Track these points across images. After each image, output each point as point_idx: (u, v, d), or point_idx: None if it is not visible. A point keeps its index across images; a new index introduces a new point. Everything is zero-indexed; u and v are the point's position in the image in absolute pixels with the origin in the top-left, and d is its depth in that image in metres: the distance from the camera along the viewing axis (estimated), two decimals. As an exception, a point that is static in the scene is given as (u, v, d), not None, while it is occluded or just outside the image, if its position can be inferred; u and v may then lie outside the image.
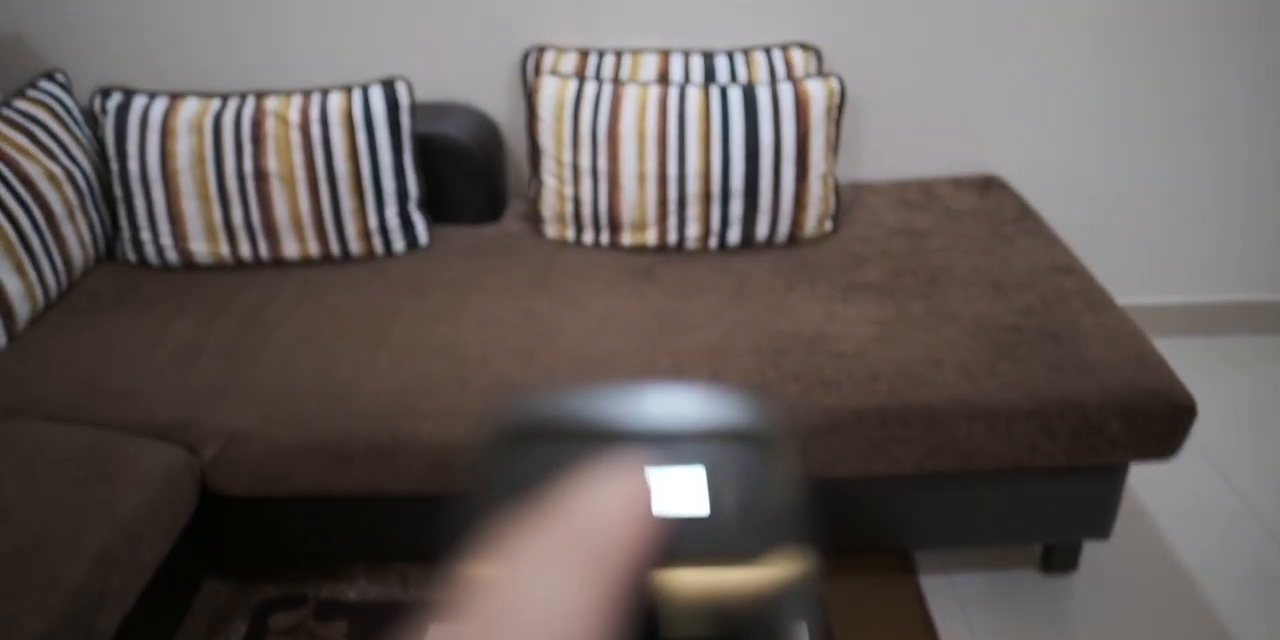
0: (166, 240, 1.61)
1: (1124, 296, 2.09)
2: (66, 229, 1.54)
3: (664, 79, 1.69)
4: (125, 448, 1.22)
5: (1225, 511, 1.63)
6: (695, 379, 1.32)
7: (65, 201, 1.54)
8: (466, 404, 1.29)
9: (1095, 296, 1.45)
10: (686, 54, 1.72)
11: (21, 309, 1.45)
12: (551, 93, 1.62)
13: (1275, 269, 2.07)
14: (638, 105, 1.59)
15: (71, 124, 1.62)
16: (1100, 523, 1.42)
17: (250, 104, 1.59)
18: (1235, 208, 1.99)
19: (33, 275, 1.46)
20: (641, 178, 1.60)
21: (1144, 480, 1.69)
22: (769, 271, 1.58)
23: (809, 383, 1.30)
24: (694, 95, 1.59)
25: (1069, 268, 1.54)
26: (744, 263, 1.61)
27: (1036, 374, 1.30)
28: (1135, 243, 2.03)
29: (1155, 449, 1.29)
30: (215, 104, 1.59)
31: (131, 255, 1.63)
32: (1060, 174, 1.94)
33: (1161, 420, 1.26)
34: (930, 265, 1.56)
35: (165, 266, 1.64)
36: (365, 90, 1.60)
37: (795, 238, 1.66)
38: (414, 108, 1.63)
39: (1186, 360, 2.01)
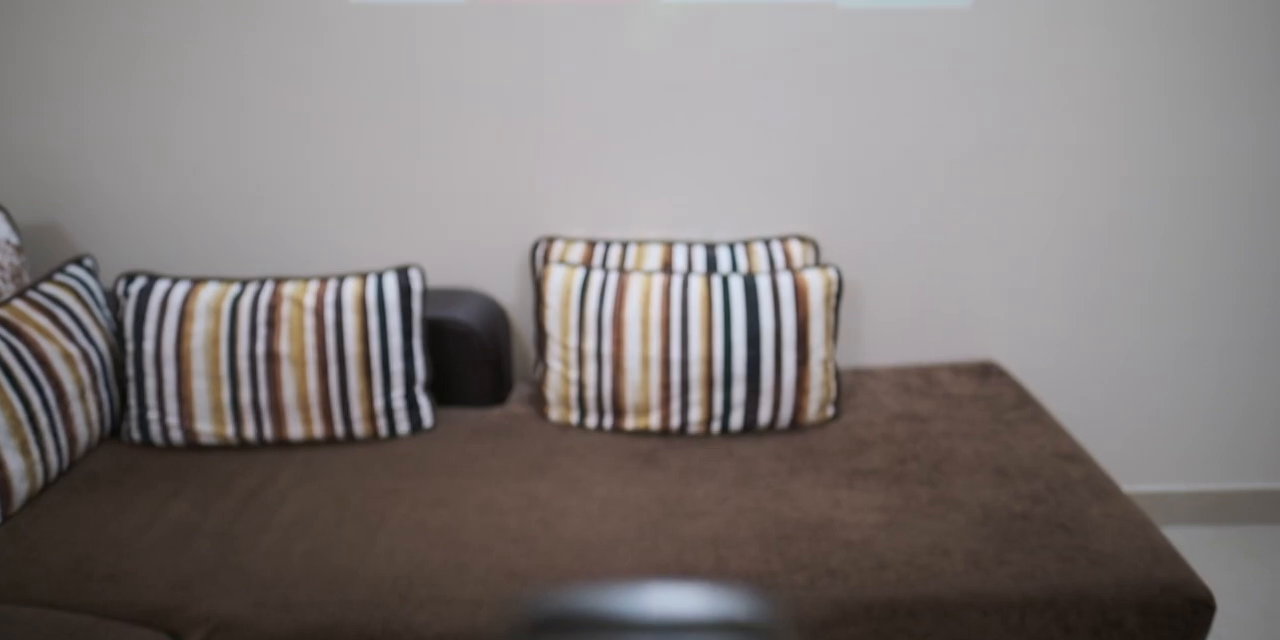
0: (173, 420, 1.62)
1: (1130, 484, 2.07)
2: (75, 408, 1.55)
3: (667, 268, 1.76)
4: (106, 635, 1.18)
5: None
6: (699, 567, 1.29)
7: (78, 381, 1.56)
8: (464, 591, 1.25)
9: (1101, 484, 1.44)
10: (689, 245, 1.80)
11: (20, 488, 1.43)
12: (559, 280, 1.69)
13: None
14: (642, 292, 1.64)
15: (93, 306, 1.67)
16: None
17: (268, 288, 1.65)
18: (1240, 394, 2.01)
19: (36, 454, 1.46)
20: (645, 362, 1.63)
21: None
22: (772, 456, 1.57)
23: (815, 572, 1.26)
24: (696, 283, 1.65)
25: (1073, 454, 1.54)
26: (747, 447, 1.61)
27: (1048, 565, 1.27)
28: (1138, 429, 2.04)
29: (1175, 637, 1.24)
30: (234, 288, 1.65)
31: (136, 434, 1.64)
32: (1058, 360, 1.98)
33: (1181, 616, 1.22)
34: (933, 451, 1.56)
35: (169, 446, 1.64)
36: (380, 277, 1.66)
37: (798, 422, 1.67)
38: (425, 293, 1.68)
39: (1198, 550, 1.96)
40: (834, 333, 1.69)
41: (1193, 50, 1.75)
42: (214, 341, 1.60)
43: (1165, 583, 1.23)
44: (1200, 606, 1.22)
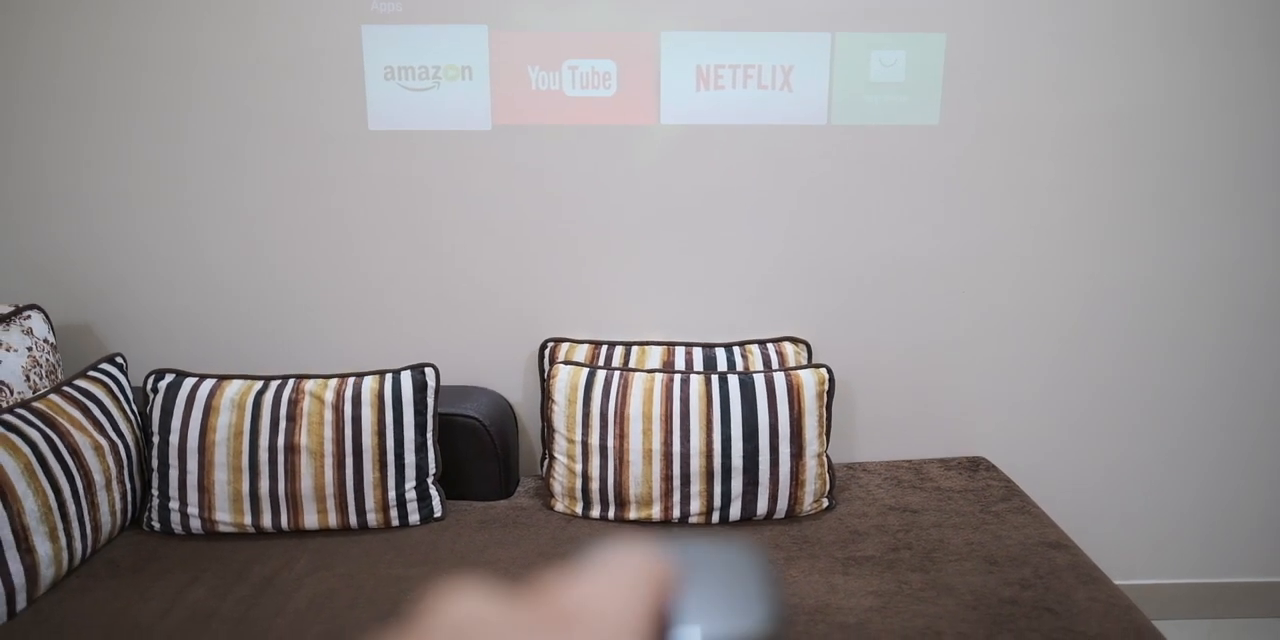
0: (193, 510, 1.68)
1: (1120, 577, 2.11)
2: (102, 497, 1.62)
3: (668, 367, 1.86)
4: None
5: None
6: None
7: (105, 471, 1.63)
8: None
9: (1087, 571, 1.50)
10: (689, 347, 1.91)
11: (46, 573, 1.49)
12: (566, 378, 1.78)
13: (1274, 549, 2.11)
14: (645, 389, 1.74)
15: (123, 401, 1.76)
16: None
17: (290, 385, 1.74)
18: (1229, 488, 2.08)
19: (63, 540, 1.52)
20: (648, 456, 1.71)
21: None
22: (770, 545, 1.63)
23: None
24: (696, 382, 1.75)
25: (1059, 543, 1.60)
26: (745, 537, 1.67)
27: (1037, 646, 1.31)
28: (1127, 522, 2.10)
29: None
30: (258, 384, 1.74)
31: (156, 523, 1.70)
32: (1045, 456, 2.06)
33: (1166, 694, 1.26)
34: (925, 540, 1.62)
35: (188, 534, 1.70)
36: (397, 375, 1.76)
37: (793, 513, 1.73)
38: (439, 390, 1.78)
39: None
40: (827, 428, 1.77)
41: (1148, 167, 1.91)
42: (237, 434, 1.69)
43: (1149, 662, 1.28)
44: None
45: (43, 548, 1.48)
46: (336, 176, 1.89)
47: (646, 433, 1.72)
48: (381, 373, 1.77)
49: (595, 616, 0.22)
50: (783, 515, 1.73)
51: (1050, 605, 1.41)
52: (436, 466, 1.76)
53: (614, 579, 0.23)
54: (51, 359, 1.79)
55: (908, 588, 1.47)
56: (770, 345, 1.93)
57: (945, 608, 1.41)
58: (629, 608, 0.23)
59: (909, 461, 2.00)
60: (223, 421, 1.69)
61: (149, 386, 1.75)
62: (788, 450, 1.72)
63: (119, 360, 1.84)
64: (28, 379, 1.72)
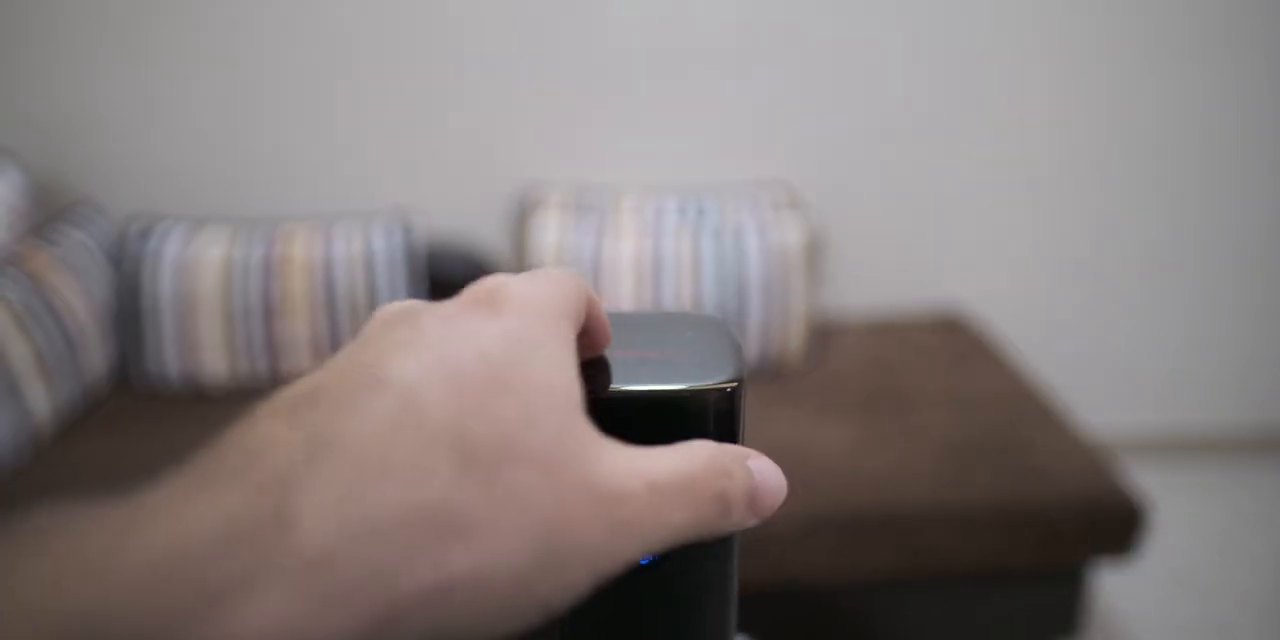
0: (178, 361, 1.71)
1: (1092, 418, 2.21)
2: (84, 345, 1.64)
3: (650, 222, 1.85)
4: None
5: (1195, 634, 1.69)
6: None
7: (86, 318, 1.64)
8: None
9: (1055, 415, 1.57)
10: (672, 195, 1.90)
11: (42, 421, 1.52)
12: (544, 234, 1.78)
13: (1240, 392, 2.21)
14: (629, 247, 1.74)
15: (98, 247, 1.75)
16: (1069, 627, 1.48)
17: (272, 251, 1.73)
18: (1201, 331, 2.15)
19: (54, 388, 1.55)
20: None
21: (1116, 606, 1.76)
22: (751, 394, 1.69)
23: (790, 485, 1.38)
24: (679, 235, 1.75)
25: (1030, 390, 1.66)
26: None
27: (1000, 482, 1.39)
28: (1098, 367, 2.18)
29: (1113, 550, 1.37)
30: (238, 247, 1.73)
31: (144, 373, 1.72)
32: (1025, 305, 2.11)
33: (1117, 522, 1.35)
34: (900, 388, 1.68)
35: (176, 384, 1.73)
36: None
37: (773, 362, 1.78)
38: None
39: (1153, 481, 2.11)
40: (813, 283, 1.79)
41: (1175, 5, 1.86)
42: (224, 283, 1.69)
43: (1103, 493, 1.36)
44: (1134, 513, 1.35)
45: (39, 391, 1.51)
46: (313, 17, 1.81)
47: (630, 290, 1.73)
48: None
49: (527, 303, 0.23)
50: (764, 367, 1.78)
51: (1018, 445, 1.48)
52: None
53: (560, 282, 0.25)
54: (26, 204, 1.76)
55: (881, 431, 1.53)
56: (756, 193, 1.92)
57: (916, 448, 1.48)
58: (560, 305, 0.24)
59: (888, 310, 2.04)
60: (206, 272, 1.69)
61: (127, 231, 1.74)
62: (771, 307, 1.74)
63: (94, 205, 1.81)
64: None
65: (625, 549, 0.21)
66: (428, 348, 0.21)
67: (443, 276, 1.83)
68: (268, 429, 0.19)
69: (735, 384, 0.26)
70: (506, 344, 0.21)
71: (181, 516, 0.17)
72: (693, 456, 0.23)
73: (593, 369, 0.27)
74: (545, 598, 0.20)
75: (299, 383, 0.21)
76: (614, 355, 0.28)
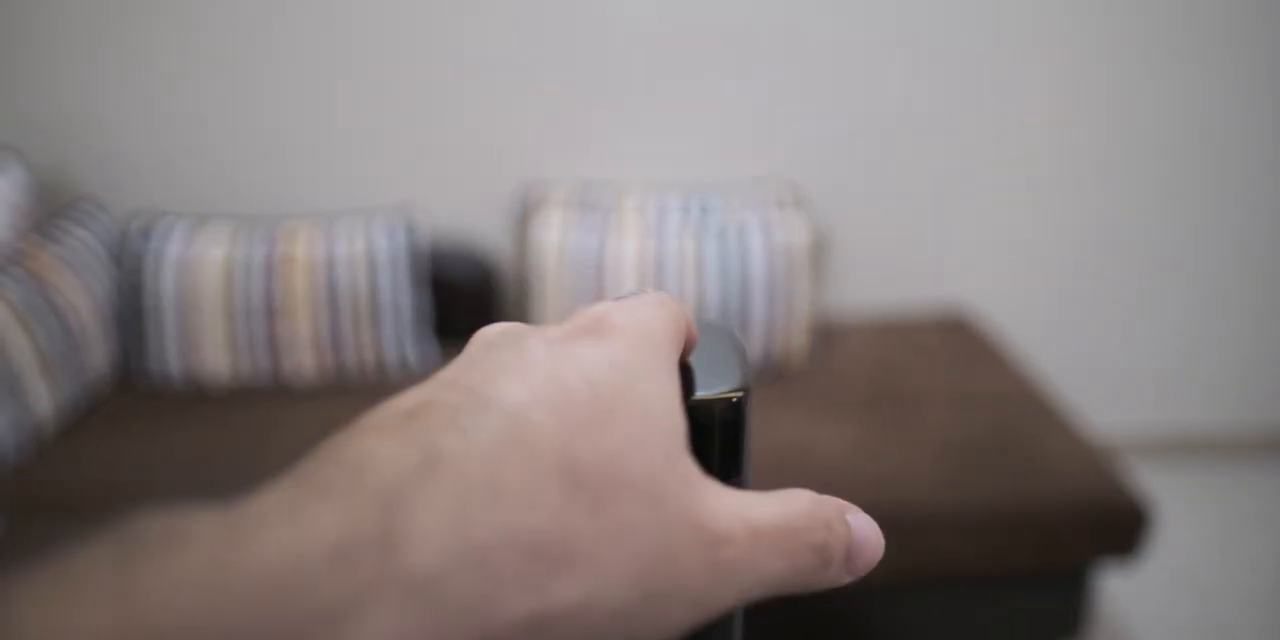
0: (180, 358, 1.70)
1: (1092, 419, 2.21)
2: (87, 342, 1.63)
3: (653, 224, 1.85)
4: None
5: (1198, 635, 1.69)
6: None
7: (89, 315, 1.64)
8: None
9: (1058, 415, 1.57)
10: (675, 193, 1.89)
11: (45, 419, 1.52)
12: (547, 235, 1.77)
13: (1243, 391, 2.21)
14: (631, 245, 1.74)
15: (102, 244, 1.75)
16: (1071, 628, 1.47)
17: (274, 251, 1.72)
18: (1205, 331, 2.15)
19: (56, 385, 1.54)
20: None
21: (1118, 607, 1.76)
22: (754, 395, 1.68)
23: (789, 479, 1.38)
24: (682, 235, 1.75)
25: (1033, 390, 1.66)
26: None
27: (1003, 483, 1.39)
28: (1101, 366, 2.17)
29: (1117, 551, 1.37)
30: (240, 247, 1.73)
31: (146, 371, 1.72)
32: (1027, 303, 2.10)
33: (1120, 523, 1.35)
34: (903, 388, 1.68)
35: (177, 382, 1.73)
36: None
37: (776, 362, 1.78)
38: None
39: (1156, 481, 2.11)
40: (816, 282, 1.79)
41: (1175, 6, 1.85)
42: (225, 281, 1.69)
43: (1107, 495, 1.36)
44: (1137, 515, 1.35)
45: (41, 390, 1.50)
46: (315, 14, 1.80)
47: (637, 283, 1.73)
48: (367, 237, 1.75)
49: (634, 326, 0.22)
50: (768, 367, 1.78)
51: (1021, 446, 1.48)
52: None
53: (648, 304, 0.24)
54: (28, 202, 1.75)
55: (883, 431, 1.53)
56: (760, 191, 1.92)
57: (918, 449, 1.48)
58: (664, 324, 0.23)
59: (891, 310, 2.04)
60: (209, 271, 1.69)
61: (129, 229, 1.74)
62: (775, 306, 1.74)
63: (96, 202, 1.81)
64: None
65: (724, 593, 0.20)
66: (535, 371, 0.20)
67: (445, 276, 1.83)
68: (376, 443, 0.19)
69: (741, 394, 0.26)
70: (614, 371, 0.21)
71: (292, 529, 0.17)
72: (794, 504, 0.22)
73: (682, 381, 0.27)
74: (640, 636, 0.19)
75: (404, 397, 0.20)
76: None
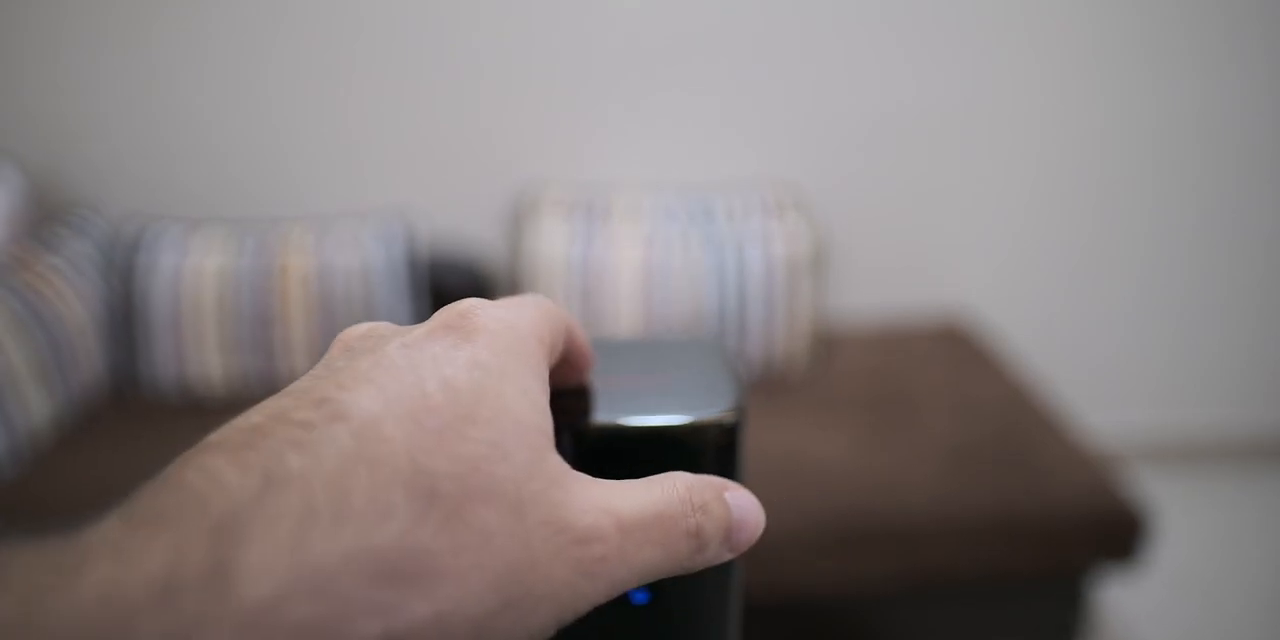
0: (174, 363, 1.69)
1: (1090, 420, 2.20)
2: (81, 348, 1.62)
3: (652, 230, 1.85)
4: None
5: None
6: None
7: (84, 321, 1.63)
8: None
9: (1058, 422, 1.56)
10: (674, 194, 1.89)
11: (39, 428, 1.51)
12: (542, 244, 1.77)
13: (1243, 395, 2.21)
14: (629, 254, 1.73)
15: (97, 248, 1.74)
16: (1071, 636, 1.47)
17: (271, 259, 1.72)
18: (1209, 336, 2.15)
19: (49, 393, 1.54)
20: (629, 319, 1.72)
21: (1118, 614, 1.75)
22: (752, 402, 1.68)
23: (788, 486, 1.37)
24: (681, 242, 1.74)
25: (1033, 396, 1.65)
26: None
27: (1003, 490, 1.38)
28: (1103, 370, 2.17)
29: (1117, 558, 1.37)
30: (233, 255, 1.72)
31: (140, 378, 1.71)
32: (1029, 304, 2.10)
33: (1120, 530, 1.34)
34: (902, 395, 1.67)
35: (170, 389, 1.72)
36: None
37: (775, 370, 1.77)
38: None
39: (1157, 486, 2.10)
40: (816, 288, 1.78)
41: (1170, 3, 1.86)
42: (220, 283, 1.68)
43: (1106, 506, 1.35)
44: (1137, 527, 1.34)
45: (33, 399, 1.49)
46: (310, 17, 1.80)
47: (630, 298, 1.72)
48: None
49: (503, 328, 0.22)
50: (764, 372, 1.77)
51: (1019, 451, 1.47)
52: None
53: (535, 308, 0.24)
54: (23, 206, 1.75)
55: (880, 436, 1.53)
56: (759, 193, 1.92)
57: (916, 454, 1.47)
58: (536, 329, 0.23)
59: (889, 312, 2.03)
60: (203, 279, 1.68)
61: (122, 235, 1.73)
62: (774, 312, 1.74)
63: (91, 206, 1.80)
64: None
65: (593, 590, 0.20)
66: (391, 378, 0.20)
67: (440, 282, 1.82)
68: (215, 466, 0.18)
69: (735, 416, 0.25)
70: (473, 373, 0.20)
71: (116, 567, 0.16)
72: (666, 490, 0.22)
73: (574, 398, 0.26)
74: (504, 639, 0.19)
75: (253, 411, 0.20)
76: (604, 384, 0.27)
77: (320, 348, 1.70)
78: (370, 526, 0.17)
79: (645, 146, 1.93)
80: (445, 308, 0.23)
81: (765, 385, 1.73)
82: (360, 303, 1.70)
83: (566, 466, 0.21)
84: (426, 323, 0.22)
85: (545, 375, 0.22)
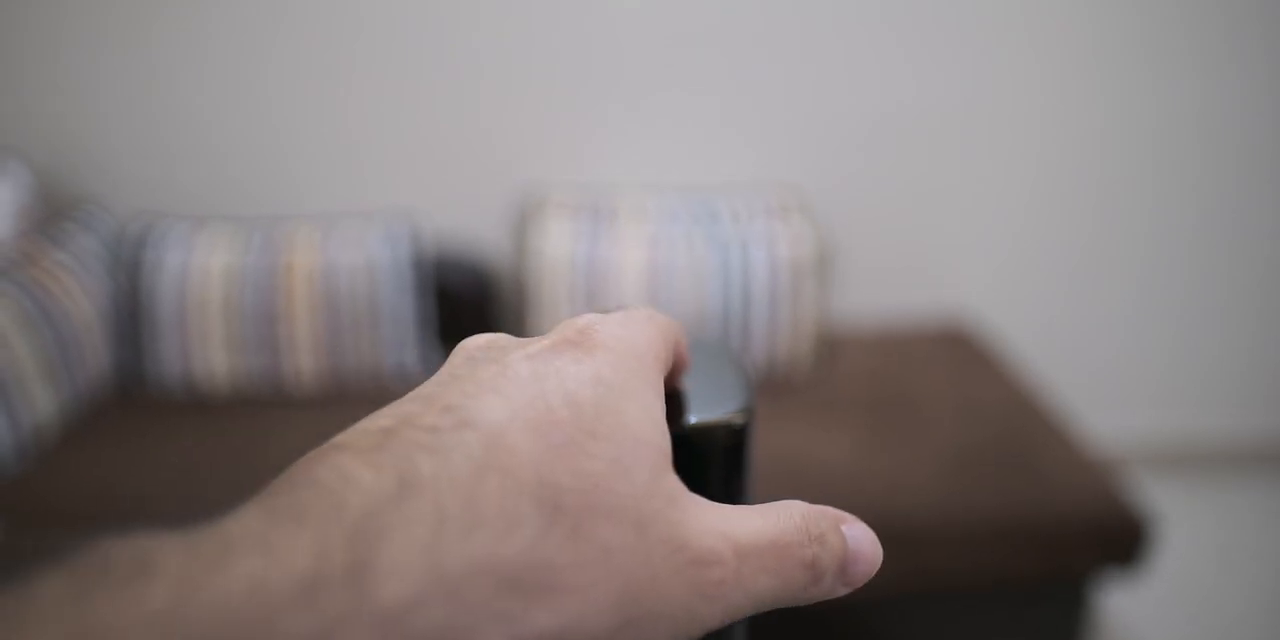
0: (180, 361, 1.70)
1: (1094, 423, 2.20)
2: (89, 346, 1.63)
3: (655, 232, 1.85)
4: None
5: (1195, 641, 1.68)
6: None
7: (91, 319, 1.64)
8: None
9: (1061, 426, 1.56)
10: (677, 195, 1.89)
11: (45, 424, 1.52)
12: (547, 248, 1.77)
13: (1245, 399, 2.21)
14: (633, 255, 1.73)
15: (104, 246, 1.75)
16: (1073, 645, 1.47)
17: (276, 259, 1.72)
18: (1202, 337, 2.14)
19: (57, 390, 1.54)
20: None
21: (1120, 615, 1.74)
22: (756, 405, 1.68)
23: (790, 488, 1.37)
24: (684, 245, 1.74)
25: (1036, 400, 1.65)
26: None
27: (1005, 495, 1.38)
28: (1104, 372, 2.17)
29: (1119, 563, 1.36)
30: (240, 253, 1.72)
31: (147, 377, 1.72)
32: (1031, 307, 2.10)
33: (1123, 536, 1.34)
34: (906, 399, 1.67)
35: (177, 388, 1.72)
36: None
37: (778, 372, 1.77)
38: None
39: (1160, 491, 2.09)
40: (819, 291, 1.79)
41: (1171, 4, 1.85)
42: (227, 283, 1.68)
43: (1109, 511, 1.35)
44: (1140, 532, 1.34)
45: (39, 396, 1.50)
46: (315, 16, 1.80)
47: (634, 298, 1.72)
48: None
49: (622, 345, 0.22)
50: (768, 373, 1.77)
51: (1021, 455, 1.47)
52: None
53: (641, 320, 0.24)
54: (30, 203, 1.75)
55: (882, 439, 1.53)
56: (763, 196, 1.92)
57: (919, 458, 1.47)
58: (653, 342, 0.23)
59: (892, 315, 2.03)
60: (209, 277, 1.69)
61: (128, 232, 1.73)
62: (778, 315, 1.74)
63: (99, 203, 1.81)
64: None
65: (709, 613, 0.20)
66: (516, 389, 0.20)
67: (446, 282, 1.83)
68: (352, 465, 0.18)
69: (744, 418, 0.25)
70: (597, 389, 0.20)
71: (261, 560, 0.16)
72: (783, 518, 0.22)
73: (671, 403, 0.26)
74: None
75: (380, 414, 0.20)
76: None
77: (324, 346, 1.70)
78: (499, 535, 0.17)
79: (647, 147, 1.93)
80: (564, 322, 0.23)
81: (769, 386, 1.73)
82: (365, 301, 1.70)
83: (683, 487, 0.21)
84: (547, 336, 0.22)
85: (662, 391, 0.22)
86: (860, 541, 0.23)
